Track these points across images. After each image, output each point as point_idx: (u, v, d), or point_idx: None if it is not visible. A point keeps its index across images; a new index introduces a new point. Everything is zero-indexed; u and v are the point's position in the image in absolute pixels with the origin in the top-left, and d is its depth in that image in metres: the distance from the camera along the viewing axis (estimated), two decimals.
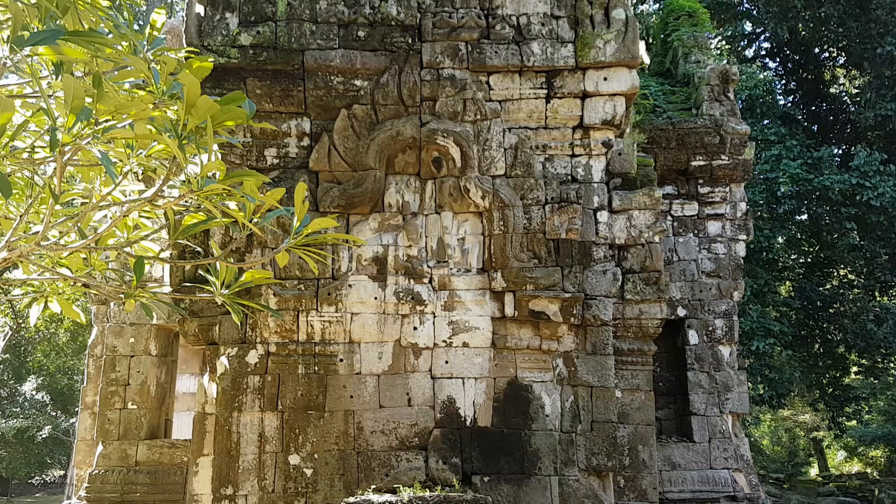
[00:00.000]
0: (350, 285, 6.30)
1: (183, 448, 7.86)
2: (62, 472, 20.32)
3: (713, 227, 8.74)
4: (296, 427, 6.17)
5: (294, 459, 6.11)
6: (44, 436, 18.75)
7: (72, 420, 18.83)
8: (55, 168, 2.60)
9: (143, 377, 8.16)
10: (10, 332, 16.80)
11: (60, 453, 19.69)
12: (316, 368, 6.27)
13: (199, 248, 5.91)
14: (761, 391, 16.41)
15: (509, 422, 6.27)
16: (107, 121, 2.70)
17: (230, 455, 6.09)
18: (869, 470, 26.50)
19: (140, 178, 3.59)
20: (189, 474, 6.33)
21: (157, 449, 7.99)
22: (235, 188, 2.85)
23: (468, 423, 6.27)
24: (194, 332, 6.23)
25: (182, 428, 8.40)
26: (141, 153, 2.91)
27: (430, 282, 6.40)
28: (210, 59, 2.89)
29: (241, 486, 6.04)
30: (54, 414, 20.07)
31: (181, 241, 5.77)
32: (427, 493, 5.42)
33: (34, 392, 20.02)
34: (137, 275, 3.01)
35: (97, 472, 7.86)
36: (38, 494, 21.84)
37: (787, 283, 17.72)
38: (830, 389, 18.78)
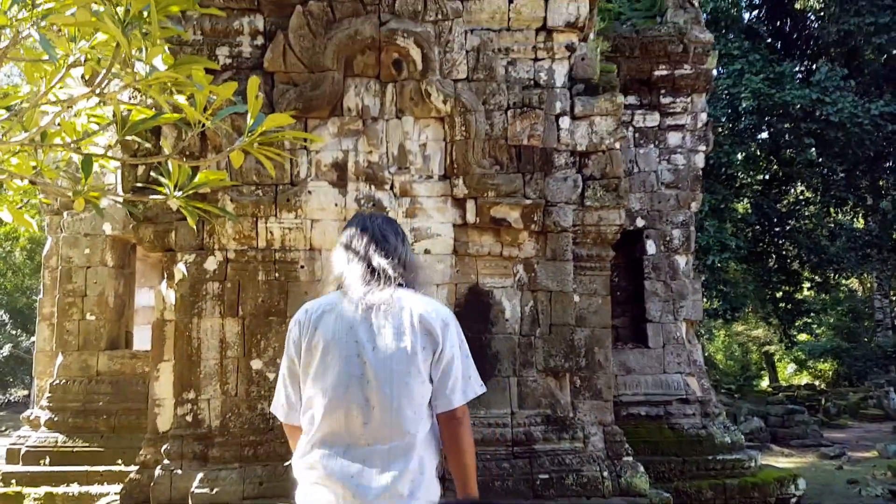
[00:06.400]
0: (310, 191, 6.22)
1: (144, 358, 7.85)
2: (25, 392, 20.29)
3: (673, 138, 8.75)
4: (257, 333, 6.18)
5: (256, 364, 6.14)
6: (4, 354, 18.63)
7: (32, 339, 18.66)
8: None
9: (101, 288, 8.06)
10: None
11: (23, 372, 19.63)
12: (277, 275, 6.25)
13: (151, 150, 5.75)
14: (716, 305, 16.89)
15: (470, 326, 6.34)
16: (44, 3, 2.55)
17: (191, 360, 6.10)
18: (817, 382, 27.75)
19: (86, 81, 3.42)
20: (150, 380, 6.34)
21: (118, 359, 7.98)
22: (186, 80, 2.73)
23: None
24: (150, 238, 6.12)
25: (142, 341, 8.38)
26: (84, 44, 2.77)
27: (391, 188, 6.35)
28: None
29: (203, 390, 6.08)
30: (14, 332, 19.89)
31: (131, 142, 5.60)
32: None
33: None
34: (86, 172, 2.91)
35: (58, 381, 7.84)
36: (1, 413, 21.83)
37: (745, 199, 18.02)
38: (783, 304, 19.40)
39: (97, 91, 2.73)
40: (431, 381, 2.18)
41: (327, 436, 2.14)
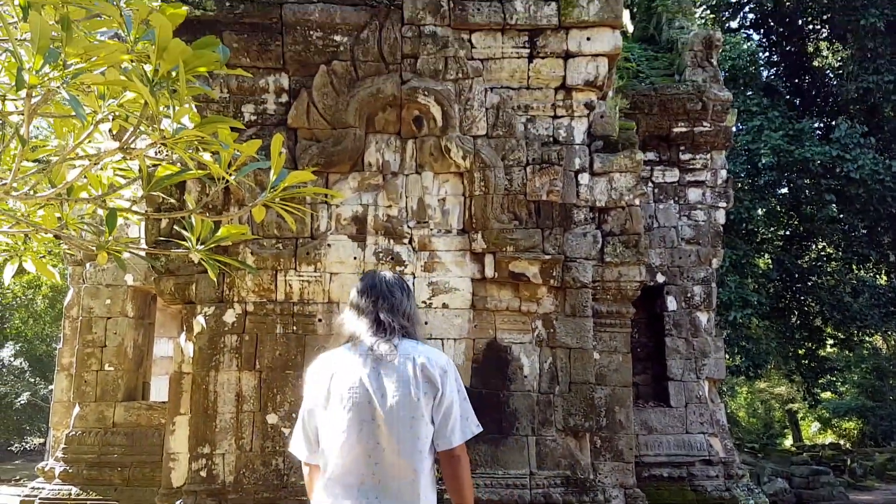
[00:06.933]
0: (329, 245, 6.26)
1: (160, 410, 7.82)
2: (41, 440, 20.23)
3: (693, 194, 8.75)
4: (274, 387, 6.14)
5: (272, 419, 6.09)
6: (22, 402, 18.62)
7: (50, 387, 18.69)
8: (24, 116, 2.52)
9: (120, 339, 8.09)
10: None
11: (40, 420, 19.59)
12: (294, 328, 6.24)
13: (175, 204, 5.82)
14: (738, 362, 16.58)
15: (488, 382, 6.28)
16: (75, 63, 2.62)
17: (207, 414, 6.06)
18: (842, 441, 27.01)
19: (114, 136, 3.49)
20: (166, 434, 6.30)
21: (134, 411, 7.94)
22: (212, 137, 2.78)
23: None
24: (170, 290, 6.16)
25: (160, 391, 8.35)
26: (112, 102, 2.83)
27: (409, 242, 6.37)
28: (184, 9, 2.79)
29: (218, 444, 6.02)
30: (33, 380, 19.90)
31: (155, 195, 5.67)
32: None
33: (12, 358, 19.81)
34: (110, 227, 2.94)
35: (74, 433, 7.81)
36: (17, 461, 21.73)
37: (766, 255, 17.84)
38: (806, 361, 19.00)
39: (124, 147, 2.77)
40: (433, 422, 2.46)
41: (342, 475, 2.40)
